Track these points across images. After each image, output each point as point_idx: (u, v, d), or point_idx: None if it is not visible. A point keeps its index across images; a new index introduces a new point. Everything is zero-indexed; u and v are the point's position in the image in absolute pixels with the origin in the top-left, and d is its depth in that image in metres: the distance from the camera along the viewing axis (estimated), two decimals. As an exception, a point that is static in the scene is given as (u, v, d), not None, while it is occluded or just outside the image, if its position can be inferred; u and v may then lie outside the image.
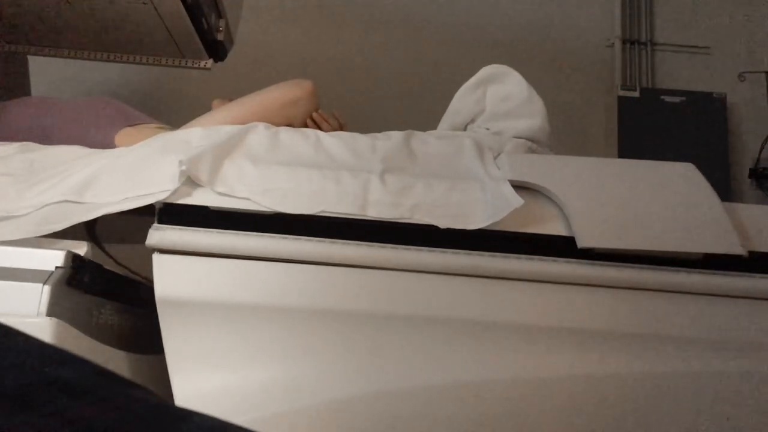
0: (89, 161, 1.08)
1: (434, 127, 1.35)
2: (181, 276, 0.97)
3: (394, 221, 0.98)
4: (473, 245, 0.99)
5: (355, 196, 0.99)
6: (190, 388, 0.94)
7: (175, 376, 0.94)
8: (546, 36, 3.13)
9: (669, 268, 0.99)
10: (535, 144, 1.29)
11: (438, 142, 1.19)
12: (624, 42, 3.24)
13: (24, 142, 1.19)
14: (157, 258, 0.96)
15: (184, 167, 0.97)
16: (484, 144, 1.19)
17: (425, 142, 1.19)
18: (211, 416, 0.32)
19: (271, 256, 0.97)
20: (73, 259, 0.94)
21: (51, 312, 0.89)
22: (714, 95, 3.09)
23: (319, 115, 1.37)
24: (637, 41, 3.26)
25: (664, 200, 1.05)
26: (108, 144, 1.29)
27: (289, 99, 1.32)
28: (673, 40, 3.26)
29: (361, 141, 1.14)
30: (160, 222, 0.98)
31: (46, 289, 0.89)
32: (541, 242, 1.00)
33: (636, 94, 3.07)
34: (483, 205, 1.00)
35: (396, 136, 1.18)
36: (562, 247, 0.99)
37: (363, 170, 1.04)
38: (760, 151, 3.03)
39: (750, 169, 3.02)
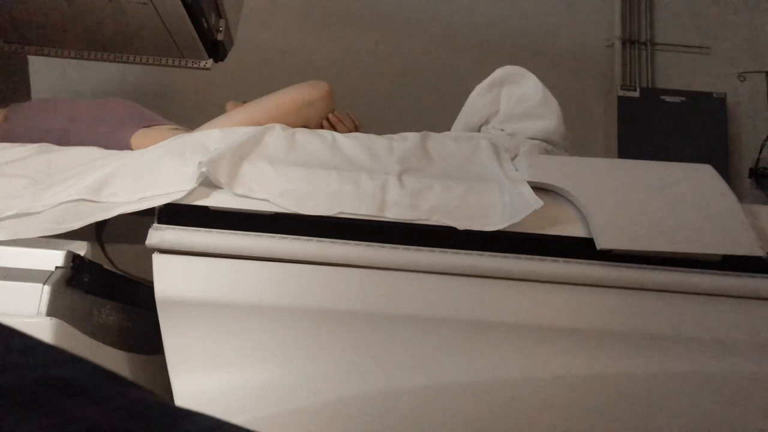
0: (106, 162, 1.08)
1: (437, 128, 1.35)
2: (181, 276, 0.97)
3: (399, 221, 0.98)
4: (489, 246, 0.99)
5: (374, 197, 0.99)
6: (190, 388, 0.94)
7: (175, 376, 0.94)
8: (546, 36, 3.13)
9: (688, 269, 0.99)
10: (550, 145, 1.29)
11: (454, 143, 1.19)
12: (624, 42, 3.24)
13: (42, 143, 1.20)
14: (157, 258, 0.96)
15: (204, 169, 0.97)
16: (500, 145, 1.19)
17: (441, 143, 1.19)
18: (211, 416, 0.32)
19: (270, 256, 0.97)
20: (73, 259, 0.94)
21: (51, 312, 0.89)
22: (714, 95, 3.08)
23: (335, 116, 1.38)
24: (637, 41, 3.26)
25: (683, 202, 1.05)
26: (124, 145, 1.30)
27: (306, 100, 1.33)
28: (673, 40, 3.26)
29: (377, 142, 1.14)
30: (160, 222, 0.98)
31: (46, 289, 0.89)
32: (559, 243, 1.00)
33: (636, 94, 3.07)
34: (501, 207, 1.00)
35: (411, 137, 1.18)
36: (581, 248, 0.99)
37: (380, 171, 1.04)
38: (760, 151, 3.03)
39: (750, 169, 3.02)
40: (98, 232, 1.09)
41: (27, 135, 1.29)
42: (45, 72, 2.39)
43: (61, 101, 1.45)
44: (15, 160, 1.12)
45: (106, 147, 1.20)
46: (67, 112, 1.39)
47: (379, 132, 1.22)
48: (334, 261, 0.97)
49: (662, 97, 3.08)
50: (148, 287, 1.01)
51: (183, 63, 1.97)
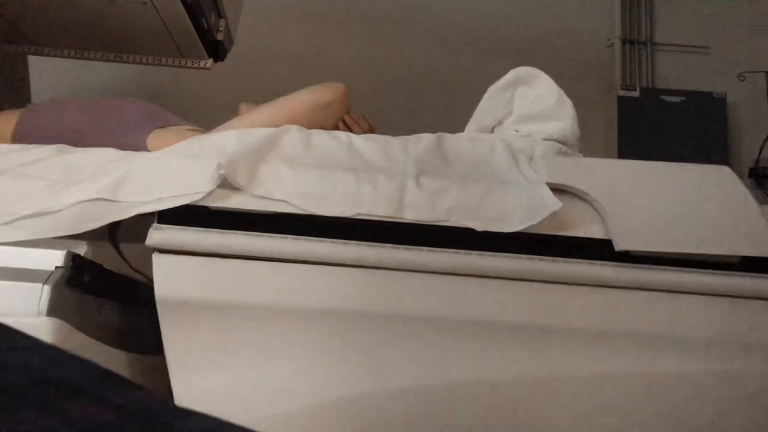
0: (123, 162, 1.08)
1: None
2: (181, 276, 0.97)
3: (415, 223, 0.98)
4: (503, 247, 0.98)
5: (392, 198, 0.99)
6: (190, 388, 0.94)
7: (175, 376, 0.94)
8: (546, 36, 3.13)
9: (706, 270, 0.99)
10: (565, 146, 1.29)
11: (469, 145, 1.19)
12: (624, 42, 3.24)
13: (58, 144, 1.20)
14: (157, 258, 0.96)
15: (223, 171, 0.97)
16: (516, 146, 1.19)
17: (456, 144, 1.19)
18: (210, 416, 0.32)
19: (271, 256, 0.97)
20: (73, 259, 0.94)
21: (51, 312, 0.89)
22: (714, 95, 3.08)
23: (350, 117, 1.38)
24: (637, 41, 3.26)
25: (701, 203, 1.05)
26: (140, 146, 1.29)
27: (322, 102, 1.33)
28: (673, 40, 3.26)
29: (393, 144, 1.14)
30: (160, 222, 0.98)
31: (46, 289, 0.89)
32: (577, 244, 1.00)
33: (636, 94, 3.07)
34: (519, 208, 1.00)
35: (426, 138, 1.18)
36: (599, 249, 0.99)
37: (397, 173, 1.04)
38: (760, 151, 3.03)
39: (750, 169, 3.02)
40: (112, 232, 1.09)
41: (43, 136, 1.29)
42: (45, 72, 2.39)
43: (76, 102, 1.45)
44: (31, 161, 1.12)
45: (122, 148, 1.20)
46: (82, 112, 1.39)
47: (389, 133, 1.21)
48: (334, 261, 0.97)
49: (662, 97, 3.08)
50: (148, 287, 1.01)
51: (183, 63, 1.97)
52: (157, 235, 0.96)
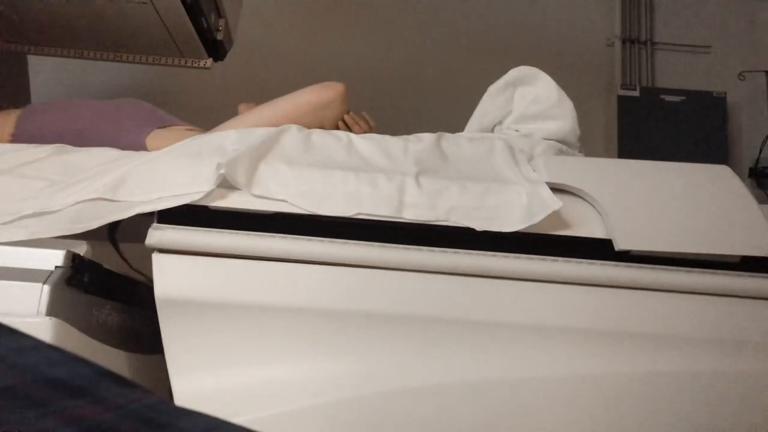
0: (123, 162, 1.08)
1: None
2: (181, 276, 0.97)
3: (413, 222, 0.98)
4: (503, 247, 0.98)
5: (391, 198, 0.99)
6: (190, 388, 0.94)
7: (175, 376, 0.94)
8: (546, 36, 3.14)
9: (706, 270, 0.99)
10: (565, 146, 1.29)
11: (469, 144, 1.19)
12: (624, 41, 3.25)
13: (58, 144, 1.20)
14: (157, 258, 0.96)
15: (222, 170, 0.97)
16: (515, 146, 1.19)
17: (456, 143, 1.19)
18: (210, 416, 0.32)
19: (271, 255, 0.97)
20: (73, 259, 0.94)
21: (51, 312, 0.89)
22: (714, 95, 3.09)
23: (350, 117, 1.38)
24: (637, 40, 3.26)
25: (701, 202, 1.05)
26: (139, 146, 1.30)
27: (322, 101, 1.33)
28: (673, 40, 3.26)
29: (393, 143, 1.14)
30: (160, 221, 0.98)
31: (46, 288, 0.89)
32: (577, 244, 1.00)
33: (636, 93, 3.08)
34: (519, 207, 1.00)
35: (427, 138, 1.18)
36: (598, 249, 0.99)
37: (397, 172, 1.04)
38: (760, 151, 3.03)
39: (750, 168, 3.02)
40: (111, 232, 1.09)
41: (43, 136, 1.29)
42: (45, 72, 2.39)
43: (75, 102, 1.45)
44: (31, 161, 1.12)
45: (122, 148, 1.20)
46: (82, 112, 1.39)
47: (389, 133, 1.22)
48: (334, 261, 0.98)
49: (662, 97, 3.08)
50: (148, 287, 1.00)
51: (183, 62, 1.97)
52: (157, 234, 0.96)
